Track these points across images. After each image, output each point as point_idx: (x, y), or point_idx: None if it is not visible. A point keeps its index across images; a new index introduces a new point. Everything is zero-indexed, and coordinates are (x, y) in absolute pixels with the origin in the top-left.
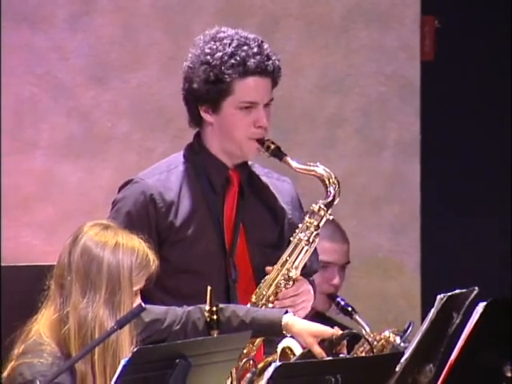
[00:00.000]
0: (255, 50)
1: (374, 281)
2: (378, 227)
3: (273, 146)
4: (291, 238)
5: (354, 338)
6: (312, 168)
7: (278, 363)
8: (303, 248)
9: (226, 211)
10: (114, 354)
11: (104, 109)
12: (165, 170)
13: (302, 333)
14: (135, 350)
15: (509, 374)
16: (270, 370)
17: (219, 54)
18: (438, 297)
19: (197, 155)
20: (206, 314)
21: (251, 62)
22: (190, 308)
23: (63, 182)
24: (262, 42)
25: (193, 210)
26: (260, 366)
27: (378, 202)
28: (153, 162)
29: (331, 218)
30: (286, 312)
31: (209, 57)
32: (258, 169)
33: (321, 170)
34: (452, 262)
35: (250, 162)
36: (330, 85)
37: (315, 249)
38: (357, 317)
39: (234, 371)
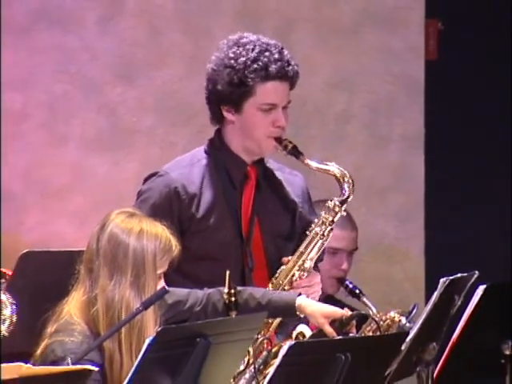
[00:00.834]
0: (276, 56)
1: (381, 265)
2: (384, 216)
3: (290, 146)
4: (307, 232)
5: (362, 319)
6: (328, 167)
7: (292, 342)
8: (318, 241)
9: (244, 204)
10: (139, 332)
11: (130, 105)
12: (188, 164)
13: (315, 314)
14: (159, 329)
15: (507, 352)
16: (285, 347)
17: (243, 58)
18: (441, 280)
19: (217, 151)
20: (225, 296)
21: (273, 68)
22: (210, 290)
23: (93, 173)
24: (282, 48)
25: (213, 202)
26: (274, 349)
27: (384, 192)
28: (175, 155)
29: (345, 214)
30: (300, 294)
31: (233, 61)
32: (272, 164)
33: (336, 169)
34: (454, 247)
35: (264, 158)
36: (339, 83)
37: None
38: (364, 299)
39: (251, 349)
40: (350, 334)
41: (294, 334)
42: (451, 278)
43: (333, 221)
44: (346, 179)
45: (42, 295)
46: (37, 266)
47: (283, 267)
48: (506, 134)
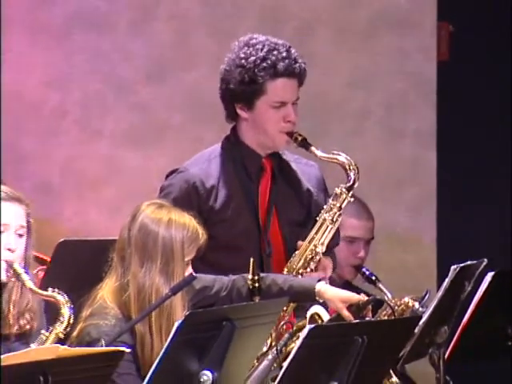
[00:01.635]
0: (284, 54)
1: (396, 254)
2: (399, 206)
3: (300, 138)
4: (317, 218)
5: (378, 304)
6: (334, 156)
7: (312, 325)
8: (328, 226)
9: (261, 195)
10: (168, 316)
11: (160, 103)
12: (206, 160)
13: (333, 299)
14: (188, 313)
15: None
16: (306, 330)
17: (252, 58)
18: (452, 267)
19: (233, 146)
20: (249, 282)
21: (280, 65)
22: (235, 277)
23: (125, 166)
24: (289, 47)
25: (231, 194)
26: (294, 329)
27: (399, 184)
28: (202, 150)
29: (352, 199)
30: (319, 280)
31: (243, 61)
32: (288, 156)
33: (342, 158)
34: (464, 236)
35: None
36: (357, 82)
37: (337, 229)
38: (380, 285)
39: (273, 332)
40: (367, 318)
41: (309, 314)
42: (461, 265)
43: (340, 207)
44: (351, 167)
45: (77, 281)
46: (72, 254)
47: (296, 252)
48: None
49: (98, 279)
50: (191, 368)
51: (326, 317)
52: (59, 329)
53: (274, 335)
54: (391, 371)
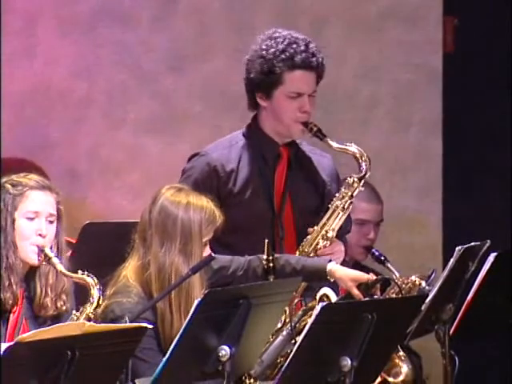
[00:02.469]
0: (302, 47)
1: (403, 235)
2: (406, 191)
3: (315, 128)
4: (329, 205)
5: (386, 282)
6: (347, 147)
7: (325, 303)
8: (339, 214)
9: (276, 181)
10: (187, 295)
11: (181, 92)
12: (227, 146)
13: (343, 278)
14: (206, 292)
15: None
16: (319, 308)
17: (272, 49)
18: (457, 248)
19: (253, 134)
20: (264, 262)
21: (298, 58)
22: (251, 257)
23: (147, 153)
24: (309, 41)
25: (249, 178)
26: (308, 307)
27: (406, 170)
28: (221, 137)
29: (363, 189)
30: (330, 261)
31: (264, 52)
32: (304, 146)
33: (354, 149)
34: (468, 219)
35: (298, 141)
36: (366, 73)
37: (349, 214)
38: (388, 265)
39: (287, 309)
40: (375, 296)
41: (318, 295)
42: (466, 246)
43: (352, 195)
44: (363, 158)
45: (101, 261)
46: (97, 236)
47: (308, 237)
48: None
49: (121, 259)
50: (210, 343)
51: (334, 298)
52: (89, 309)
53: (287, 312)
54: (399, 346)
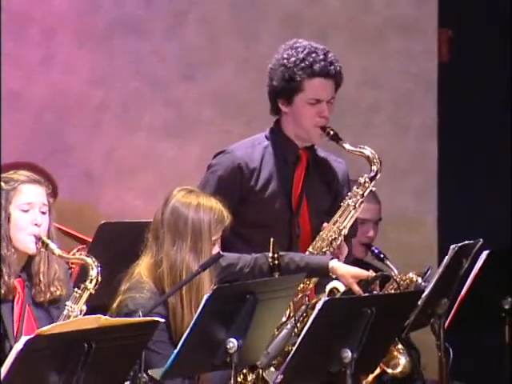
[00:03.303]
0: (321, 57)
1: (401, 234)
2: (404, 192)
3: (332, 132)
4: (341, 204)
5: (385, 279)
6: (361, 150)
7: (326, 298)
8: (350, 211)
9: (295, 181)
10: (197, 290)
11: (192, 99)
12: (250, 146)
13: (344, 274)
14: (215, 287)
15: (506, 307)
16: (320, 303)
17: (293, 58)
18: (451, 247)
19: (275, 136)
20: (270, 260)
21: (317, 66)
22: (257, 255)
23: (160, 156)
24: (328, 51)
25: (269, 177)
26: (312, 301)
27: (404, 172)
28: (230, 142)
29: (374, 189)
30: (332, 258)
31: (285, 61)
32: (320, 152)
33: (367, 151)
34: (463, 219)
35: (315, 146)
36: (368, 81)
37: (356, 221)
38: (387, 262)
39: (291, 304)
40: (375, 292)
41: (328, 288)
42: (460, 244)
43: (363, 195)
44: (375, 160)
45: (116, 259)
46: (112, 235)
47: (321, 232)
48: (507, 119)
49: (135, 257)
50: (218, 336)
51: (342, 290)
52: (90, 286)
53: (292, 307)
54: (397, 339)
